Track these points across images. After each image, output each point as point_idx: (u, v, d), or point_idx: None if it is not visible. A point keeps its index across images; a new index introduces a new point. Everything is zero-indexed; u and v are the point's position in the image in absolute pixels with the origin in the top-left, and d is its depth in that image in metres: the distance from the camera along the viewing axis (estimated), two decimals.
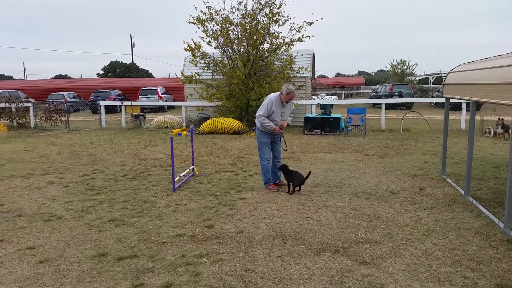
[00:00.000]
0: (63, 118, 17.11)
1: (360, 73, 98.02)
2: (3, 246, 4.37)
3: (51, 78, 64.49)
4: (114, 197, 6.21)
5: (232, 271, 3.70)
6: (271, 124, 6.40)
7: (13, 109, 17.53)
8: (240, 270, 3.71)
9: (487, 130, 12.40)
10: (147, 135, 13.93)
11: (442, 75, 40.60)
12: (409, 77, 40.86)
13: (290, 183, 6.29)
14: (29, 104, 17.84)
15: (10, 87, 33.13)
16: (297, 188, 6.32)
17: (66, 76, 79.45)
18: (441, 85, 8.07)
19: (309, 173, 6.45)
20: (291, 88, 6.41)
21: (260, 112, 6.42)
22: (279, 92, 6.45)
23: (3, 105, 17.58)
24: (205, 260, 3.94)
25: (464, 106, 14.00)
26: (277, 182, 6.72)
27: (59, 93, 29.70)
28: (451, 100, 7.23)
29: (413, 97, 26.89)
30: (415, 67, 41.19)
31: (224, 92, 14.80)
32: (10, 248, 4.32)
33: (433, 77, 45.02)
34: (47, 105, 17.97)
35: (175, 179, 6.63)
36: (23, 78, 72.31)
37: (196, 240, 4.44)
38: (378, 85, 38.72)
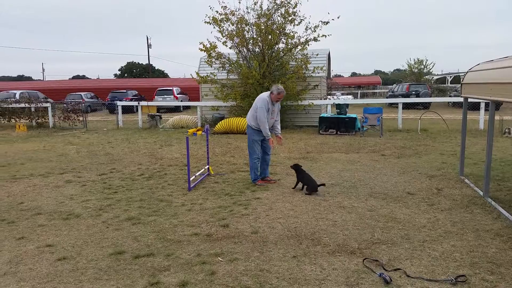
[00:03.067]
0: (80, 118, 17.38)
1: (376, 72, 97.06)
2: (23, 243, 4.46)
3: (69, 79, 65.57)
4: (131, 196, 6.28)
5: (247, 270, 3.71)
6: (269, 133, 6.71)
7: (33, 109, 17.89)
8: (255, 270, 3.71)
9: (506, 130, 12.16)
10: (163, 135, 14.05)
11: (460, 74, 40.01)
12: (426, 77, 40.36)
13: (300, 182, 6.44)
14: (48, 104, 18.18)
15: (29, 88, 33.80)
16: (305, 190, 6.28)
17: (83, 77, 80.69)
18: (459, 85, 7.93)
19: (323, 184, 6.32)
20: (282, 88, 6.67)
21: (262, 118, 6.58)
22: (269, 92, 6.71)
23: (22, 105, 17.95)
24: (221, 259, 3.95)
25: (482, 105, 13.76)
26: (265, 177, 7.02)
27: (77, 93, 30.22)
28: (469, 100, 7.11)
29: (430, 96, 26.55)
30: (433, 66, 40.73)
31: (239, 92, 14.82)
32: (30, 245, 4.40)
33: (451, 77, 44.40)
34: (65, 105, 18.27)
35: (191, 179, 6.67)
36: (42, 78, 73.60)
37: (211, 239, 4.46)
38: (394, 85, 38.30)
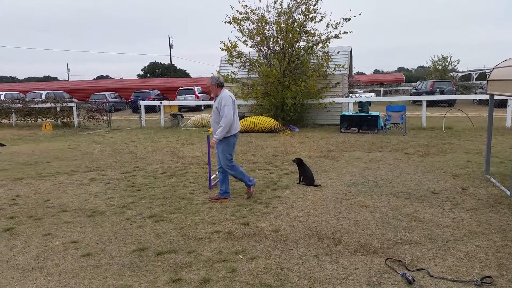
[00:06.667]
0: (105, 118, 17.71)
1: (400, 69, 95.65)
2: (49, 239, 4.58)
3: (93, 79, 66.78)
4: (153, 193, 6.37)
5: (268, 269, 3.71)
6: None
7: (58, 109, 18.31)
8: (276, 268, 3.71)
9: None
10: (185, 134, 14.18)
11: (486, 71, 38.98)
12: (451, 74, 39.49)
13: (302, 176, 6.74)
14: (73, 104, 18.59)
15: (55, 88, 34.62)
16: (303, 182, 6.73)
17: (107, 77, 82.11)
18: (485, 82, 7.76)
19: (319, 185, 6.60)
20: (211, 76, 6.00)
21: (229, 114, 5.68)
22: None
23: (48, 105, 18.40)
24: (241, 257, 3.97)
25: (510, 103, 13.37)
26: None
27: (101, 93, 30.75)
28: (496, 97, 6.93)
29: (455, 94, 25.98)
30: (457, 63, 39.82)
31: (259, 90, 14.83)
32: (56, 241, 4.51)
33: (476, 73, 43.32)
34: (89, 105, 18.64)
35: (212, 177, 6.71)
36: (67, 79, 75.25)
37: (232, 237, 4.48)
38: (418, 82, 37.60)
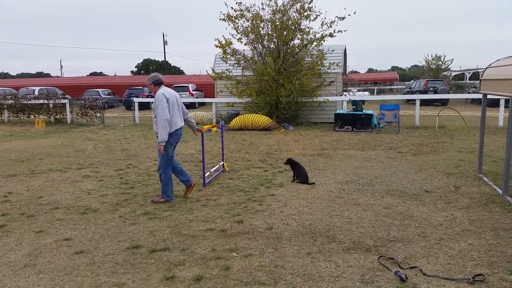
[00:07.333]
0: (98, 114, 17.59)
1: (394, 68, 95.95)
2: (42, 236, 4.55)
3: (87, 76, 66.33)
4: (147, 191, 6.34)
5: (262, 266, 3.71)
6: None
7: (51, 106, 18.17)
8: (270, 266, 3.71)
9: None
10: None
11: (479, 70, 39.24)
12: (444, 73, 39.71)
13: (296, 174, 6.76)
14: (66, 101, 18.44)
15: (48, 84, 34.35)
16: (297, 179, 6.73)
17: (101, 74, 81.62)
18: (478, 81, 7.81)
19: (313, 183, 6.60)
20: (148, 76, 5.68)
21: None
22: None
23: (41, 101, 18.26)
24: (235, 254, 3.97)
25: (502, 102, 13.47)
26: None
27: (94, 90, 30.54)
28: (488, 96, 6.97)
29: (448, 93, 26.14)
30: (451, 62, 40.12)
31: (254, 88, 14.82)
32: (48, 239, 4.49)
33: (469, 73, 43.58)
34: (82, 101, 18.51)
35: (206, 175, 6.70)
36: (60, 75, 74.71)
37: (226, 235, 4.48)
38: (412, 81, 37.78)
